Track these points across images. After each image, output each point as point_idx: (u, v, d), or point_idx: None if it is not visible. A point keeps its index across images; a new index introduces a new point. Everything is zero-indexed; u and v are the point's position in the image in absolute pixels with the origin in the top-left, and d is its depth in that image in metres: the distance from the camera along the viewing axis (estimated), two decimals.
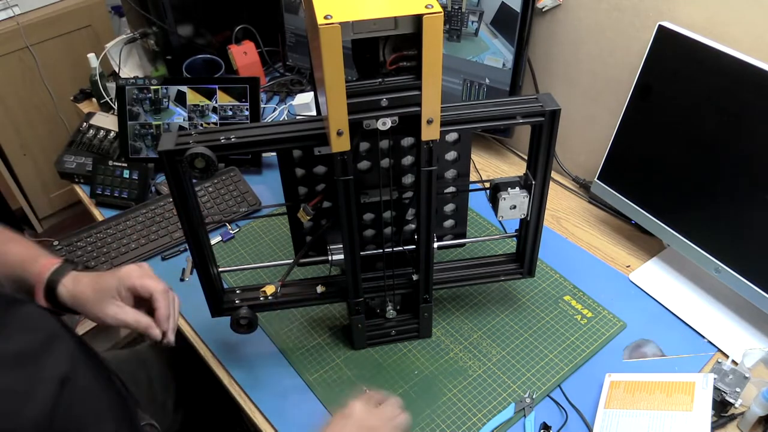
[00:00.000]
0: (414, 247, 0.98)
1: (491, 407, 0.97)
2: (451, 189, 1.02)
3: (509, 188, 0.94)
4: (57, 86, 2.25)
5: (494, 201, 0.96)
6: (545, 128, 0.87)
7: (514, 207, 0.95)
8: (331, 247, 0.98)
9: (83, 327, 1.81)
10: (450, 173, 1.00)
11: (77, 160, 1.44)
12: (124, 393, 0.86)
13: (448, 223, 1.06)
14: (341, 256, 0.95)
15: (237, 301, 1.00)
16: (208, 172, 0.81)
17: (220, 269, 0.99)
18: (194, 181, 0.87)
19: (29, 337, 0.66)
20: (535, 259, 1.04)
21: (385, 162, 0.92)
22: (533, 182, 0.93)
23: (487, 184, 0.99)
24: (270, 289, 1.00)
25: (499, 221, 0.99)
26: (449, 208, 1.04)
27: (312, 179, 0.96)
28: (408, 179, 0.96)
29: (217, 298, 0.99)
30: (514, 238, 1.05)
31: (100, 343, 1.87)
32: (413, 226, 1.01)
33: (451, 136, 0.96)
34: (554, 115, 0.86)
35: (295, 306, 1.02)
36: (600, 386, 0.98)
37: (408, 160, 0.94)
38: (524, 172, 0.96)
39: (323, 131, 0.83)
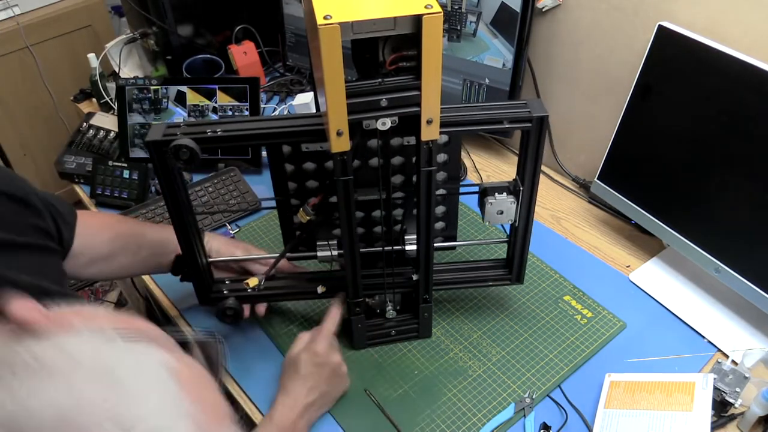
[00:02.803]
0: (407, 247, 0.98)
1: (491, 407, 0.97)
2: (441, 191, 1.02)
3: (496, 193, 0.94)
4: (57, 86, 2.26)
5: (482, 205, 0.96)
6: (533, 134, 0.87)
7: (501, 212, 0.94)
8: (329, 242, 0.98)
9: None
10: (440, 175, 1.00)
11: (77, 160, 1.44)
12: None
13: (438, 225, 1.06)
14: (327, 253, 0.96)
15: (225, 291, 1.00)
16: (192, 163, 0.82)
17: (210, 259, 1.00)
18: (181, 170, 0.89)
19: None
20: (523, 266, 1.03)
21: (374, 162, 0.92)
22: (521, 188, 0.93)
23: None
24: (253, 282, 1.01)
25: (500, 224, 0.99)
26: (439, 210, 1.04)
27: (302, 175, 0.97)
28: (397, 179, 0.96)
29: (205, 287, 1.00)
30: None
31: None
32: (404, 226, 1.00)
33: (441, 138, 0.96)
34: (542, 122, 0.85)
35: (286, 299, 1.03)
36: (600, 386, 0.98)
37: (397, 160, 0.94)
38: (513, 177, 0.95)
39: (311, 127, 0.84)
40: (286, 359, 0.96)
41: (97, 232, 0.98)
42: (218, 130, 0.83)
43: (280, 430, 0.88)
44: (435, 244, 1.06)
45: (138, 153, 1.42)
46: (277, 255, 1.01)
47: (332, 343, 0.96)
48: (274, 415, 0.89)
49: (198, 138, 0.82)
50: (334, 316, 0.99)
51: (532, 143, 0.88)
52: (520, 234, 0.98)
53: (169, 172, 0.86)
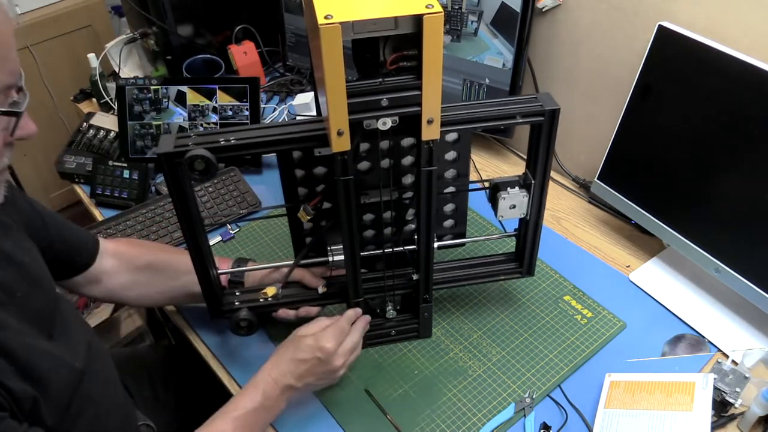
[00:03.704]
0: (414, 247, 0.98)
1: (491, 407, 0.97)
2: (451, 189, 1.02)
3: (509, 188, 0.94)
4: (57, 86, 2.25)
5: (494, 201, 0.96)
6: (545, 128, 0.87)
7: (514, 206, 0.95)
8: (332, 248, 0.98)
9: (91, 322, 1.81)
10: (450, 173, 1.00)
11: (77, 160, 1.44)
12: (125, 391, 0.95)
13: (448, 222, 1.06)
14: (341, 257, 0.95)
15: (236, 303, 0.99)
16: (208, 174, 0.80)
17: (219, 271, 0.99)
18: (193, 183, 0.87)
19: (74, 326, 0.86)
20: (534, 258, 1.04)
21: (385, 162, 0.92)
22: (533, 182, 0.93)
23: (487, 184, 0.99)
24: (271, 291, 1.00)
25: (499, 221, 1.00)
26: (449, 207, 1.04)
27: (312, 180, 0.96)
28: (408, 179, 0.96)
29: (217, 300, 0.99)
30: (514, 238, 1.05)
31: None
32: (413, 226, 1.01)
33: (451, 136, 0.96)
34: (554, 115, 0.86)
35: (295, 306, 1.02)
36: (600, 386, 0.98)
37: (408, 160, 0.94)
38: (523, 171, 0.96)
39: (323, 132, 0.83)
40: (294, 334, 0.94)
41: (136, 257, 1.04)
42: (231, 138, 0.82)
43: (264, 400, 0.88)
44: (444, 242, 1.07)
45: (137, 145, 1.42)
46: (287, 263, 1.01)
47: (345, 347, 0.93)
48: (259, 384, 0.89)
49: (211, 147, 0.80)
50: (359, 327, 0.97)
51: (544, 136, 0.88)
52: (531, 227, 0.99)
53: (181, 186, 0.84)
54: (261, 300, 1.00)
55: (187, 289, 1.02)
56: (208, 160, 0.79)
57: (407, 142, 0.92)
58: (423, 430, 0.95)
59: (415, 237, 0.98)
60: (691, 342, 1.05)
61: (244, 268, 1.04)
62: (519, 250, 1.05)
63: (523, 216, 0.97)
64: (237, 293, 1.01)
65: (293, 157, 0.93)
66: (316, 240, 1.01)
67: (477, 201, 1.25)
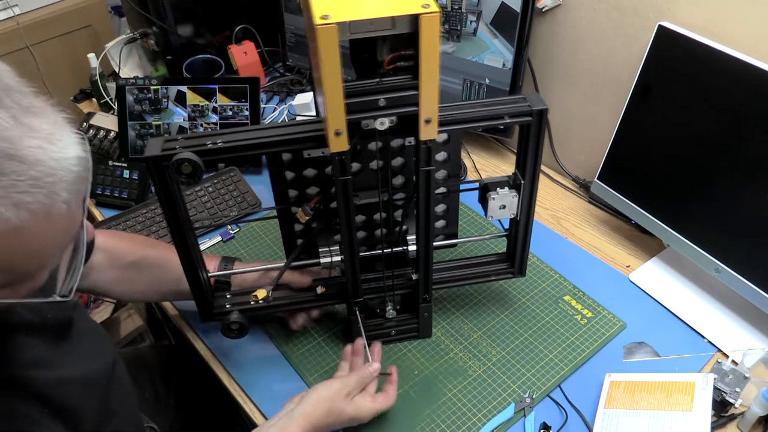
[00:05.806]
0: (407, 248, 0.98)
1: (491, 407, 0.97)
2: (442, 189, 1.01)
3: (498, 188, 0.94)
4: (57, 86, 2.25)
5: (483, 201, 0.96)
6: (533, 128, 0.87)
7: (504, 207, 0.95)
8: (330, 249, 0.98)
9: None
10: (440, 174, 1.00)
11: None
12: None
13: (440, 223, 1.06)
14: (329, 259, 0.95)
15: (227, 306, 0.99)
16: (194, 178, 0.80)
17: (209, 274, 0.99)
18: (182, 185, 0.87)
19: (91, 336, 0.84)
20: (525, 258, 1.03)
21: (374, 164, 0.92)
22: (522, 182, 0.93)
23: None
24: (261, 294, 0.99)
25: (498, 220, 0.99)
26: (440, 208, 1.04)
27: (302, 182, 0.96)
28: (398, 180, 0.96)
29: (207, 303, 0.98)
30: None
31: None
32: (404, 227, 1.00)
33: (441, 137, 0.95)
34: (542, 115, 0.86)
35: (289, 309, 1.02)
36: (600, 386, 0.98)
37: (398, 161, 0.94)
38: (513, 171, 0.96)
39: (313, 134, 0.83)
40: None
41: (125, 253, 1.01)
42: (219, 141, 0.82)
43: None
44: (436, 243, 1.07)
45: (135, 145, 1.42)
46: (279, 265, 1.00)
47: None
48: None
49: (198, 150, 0.80)
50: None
51: (532, 136, 0.88)
52: (521, 227, 0.98)
53: (169, 189, 0.83)
54: (252, 303, 0.99)
55: (175, 287, 1.01)
56: (195, 164, 0.79)
57: (397, 143, 0.92)
58: (423, 430, 0.95)
59: (406, 238, 0.98)
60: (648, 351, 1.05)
61: (233, 271, 1.03)
62: (510, 251, 1.04)
63: (513, 216, 0.97)
64: (228, 296, 1.00)
65: (283, 159, 0.93)
66: (308, 242, 1.01)
67: (476, 201, 1.25)
